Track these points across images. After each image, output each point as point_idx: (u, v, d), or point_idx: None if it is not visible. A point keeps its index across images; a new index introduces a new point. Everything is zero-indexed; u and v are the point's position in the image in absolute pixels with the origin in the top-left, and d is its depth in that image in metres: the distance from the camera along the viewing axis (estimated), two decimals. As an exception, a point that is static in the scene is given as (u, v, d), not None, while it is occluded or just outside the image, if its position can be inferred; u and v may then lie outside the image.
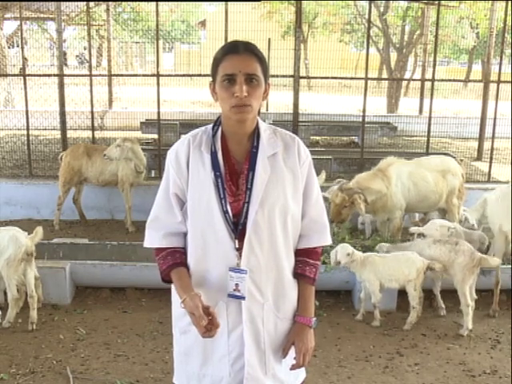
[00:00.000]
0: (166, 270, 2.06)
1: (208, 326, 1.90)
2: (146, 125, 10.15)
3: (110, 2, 12.72)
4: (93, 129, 7.92)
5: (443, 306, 4.62)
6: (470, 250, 4.41)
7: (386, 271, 4.35)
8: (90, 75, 7.82)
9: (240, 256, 1.97)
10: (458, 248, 4.41)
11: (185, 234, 2.08)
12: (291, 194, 2.01)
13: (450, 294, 4.79)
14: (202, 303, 1.92)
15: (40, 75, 9.83)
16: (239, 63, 1.91)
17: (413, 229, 5.15)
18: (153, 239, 2.10)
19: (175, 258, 2.06)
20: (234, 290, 1.97)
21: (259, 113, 2.02)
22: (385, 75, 17.59)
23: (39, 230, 4.33)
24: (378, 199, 5.40)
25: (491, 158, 7.93)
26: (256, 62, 1.93)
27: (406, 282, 4.32)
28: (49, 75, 9.38)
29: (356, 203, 5.23)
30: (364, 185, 5.37)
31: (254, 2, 15.54)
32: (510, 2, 7.92)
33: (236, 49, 1.93)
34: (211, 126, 2.07)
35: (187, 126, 9.25)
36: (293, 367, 2.09)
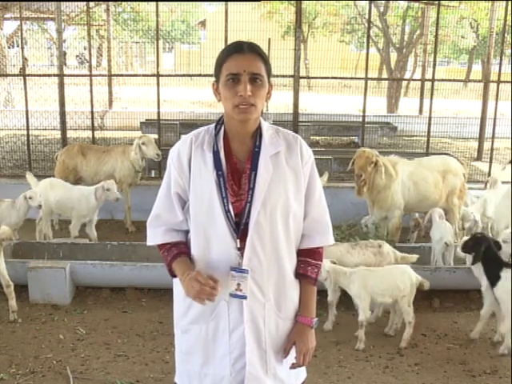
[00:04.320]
0: (171, 260, 2.05)
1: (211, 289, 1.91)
2: (146, 125, 10.14)
3: (110, 2, 12.72)
4: (93, 129, 7.92)
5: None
6: (392, 250, 4.47)
7: (379, 286, 4.08)
8: (90, 75, 7.82)
9: (242, 256, 1.97)
10: (382, 250, 4.40)
11: (186, 232, 2.09)
12: (293, 194, 2.01)
13: (451, 294, 4.80)
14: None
15: (40, 75, 9.83)
16: (244, 63, 1.91)
17: None
18: (155, 236, 2.10)
19: (179, 248, 2.06)
20: (236, 289, 1.97)
21: (262, 113, 2.02)
22: (385, 75, 17.59)
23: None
24: (382, 189, 5.41)
25: (491, 158, 7.93)
26: (260, 62, 1.94)
27: (400, 298, 4.08)
28: (49, 75, 9.37)
29: (379, 164, 5.32)
30: (384, 161, 5.43)
31: (253, 2, 15.53)
32: (510, 2, 7.92)
33: (240, 48, 1.93)
34: (214, 125, 2.07)
35: (187, 126, 9.26)
36: (293, 366, 2.09)
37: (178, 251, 2.05)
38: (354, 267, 4.25)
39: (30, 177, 5.95)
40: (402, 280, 4.10)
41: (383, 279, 4.12)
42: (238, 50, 1.94)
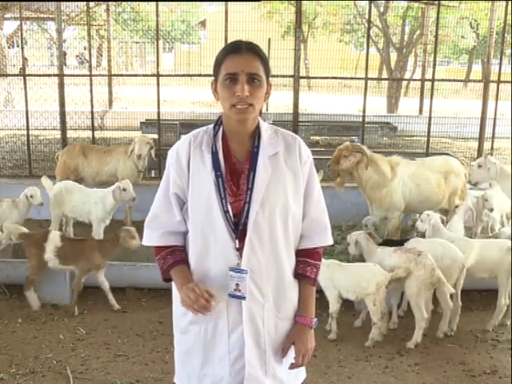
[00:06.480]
0: (166, 269, 2.07)
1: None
2: (146, 125, 10.14)
3: (110, 2, 12.73)
4: (93, 129, 7.93)
5: (396, 320, 4.41)
6: (432, 266, 4.07)
7: (343, 281, 4.11)
8: (90, 75, 7.83)
9: (240, 256, 1.97)
10: (420, 260, 4.09)
11: (184, 233, 2.09)
12: (292, 194, 2.01)
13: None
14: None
15: (40, 75, 9.84)
16: (241, 63, 1.91)
17: None
18: (151, 237, 2.11)
19: (175, 256, 2.06)
20: (235, 289, 1.97)
21: (260, 113, 2.02)
22: (385, 75, 17.61)
23: None
24: (376, 188, 5.37)
25: (491, 158, 7.91)
26: (258, 62, 1.94)
27: (364, 296, 4.06)
28: (49, 75, 9.38)
29: (352, 159, 5.20)
30: (375, 159, 5.35)
31: (253, 2, 15.54)
32: (510, 2, 7.92)
33: (238, 48, 1.93)
34: (212, 125, 2.07)
35: (187, 126, 9.25)
36: (291, 367, 2.09)
37: (174, 260, 2.06)
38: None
39: (45, 180, 5.82)
40: (366, 278, 4.05)
41: (348, 275, 4.14)
42: (235, 49, 1.94)
